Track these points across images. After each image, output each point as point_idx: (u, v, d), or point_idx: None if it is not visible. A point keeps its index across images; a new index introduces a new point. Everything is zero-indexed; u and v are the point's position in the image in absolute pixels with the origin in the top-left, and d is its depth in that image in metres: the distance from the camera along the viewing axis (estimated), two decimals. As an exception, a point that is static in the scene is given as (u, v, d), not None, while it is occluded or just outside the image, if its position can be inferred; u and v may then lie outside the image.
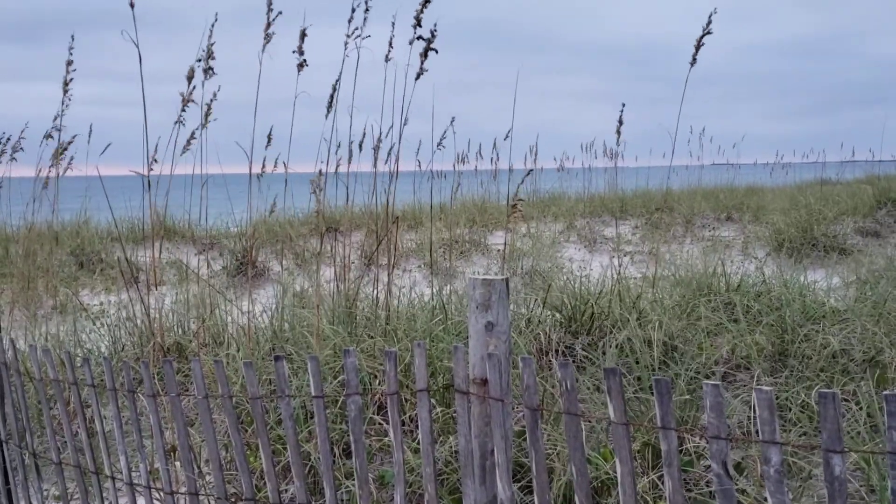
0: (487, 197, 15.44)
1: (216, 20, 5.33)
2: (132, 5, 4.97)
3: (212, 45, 5.30)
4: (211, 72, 5.28)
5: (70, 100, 6.14)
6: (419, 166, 11.86)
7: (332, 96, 5.61)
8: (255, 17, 5.39)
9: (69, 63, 5.94)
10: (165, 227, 12.13)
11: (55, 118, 6.50)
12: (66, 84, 6.00)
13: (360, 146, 6.25)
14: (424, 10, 5.14)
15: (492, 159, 15.64)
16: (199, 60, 5.29)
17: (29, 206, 7.75)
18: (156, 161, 5.68)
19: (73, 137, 6.90)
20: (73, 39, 5.92)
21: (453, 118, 9.02)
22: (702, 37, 5.61)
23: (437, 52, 5.16)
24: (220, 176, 6.34)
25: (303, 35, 5.27)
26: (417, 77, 5.28)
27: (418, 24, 5.14)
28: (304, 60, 5.30)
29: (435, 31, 5.14)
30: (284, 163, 6.54)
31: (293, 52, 5.30)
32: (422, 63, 5.23)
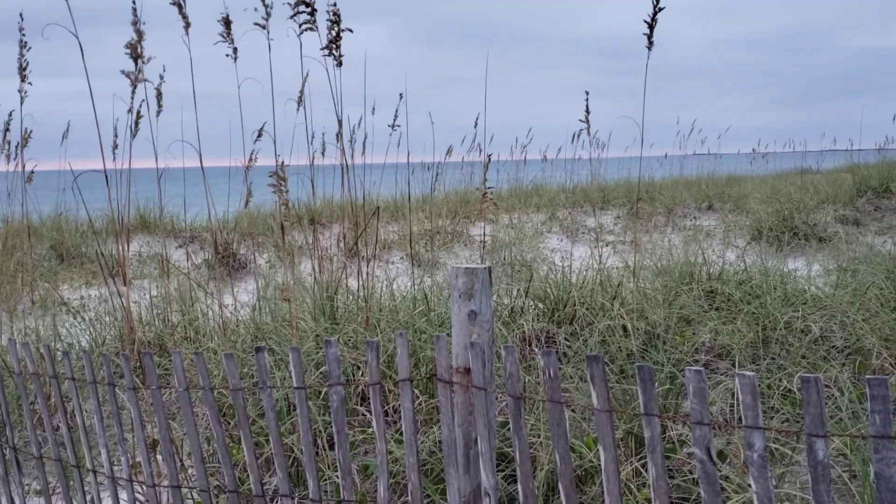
0: (470, 187, 15.40)
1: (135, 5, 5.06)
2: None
3: (136, 23, 5.00)
4: (142, 57, 4.98)
5: (30, 84, 5.75)
6: (407, 157, 11.81)
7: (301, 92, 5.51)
8: (266, 15, 5.25)
9: (22, 45, 5.52)
10: (145, 220, 12.07)
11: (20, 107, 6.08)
12: (22, 70, 5.63)
13: (323, 140, 6.11)
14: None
15: (481, 150, 15.57)
16: (137, 40, 4.95)
17: (5, 201, 7.67)
18: (114, 148, 5.40)
19: (29, 132, 6.49)
20: (21, 19, 5.52)
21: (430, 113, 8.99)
22: (654, 15, 5.51)
23: (351, 31, 4.91)
24: (200, 169, 6.26)
25: (227, 22, 5.00)
26: (339, 64, 5.02)
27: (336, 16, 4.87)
28: (235, 49, 5.09)
29: (336, 8, 4.85)
30: (282, 156, 6.44)
31: (215, 43, 5.01)
32: (337, 48, 4.96)
